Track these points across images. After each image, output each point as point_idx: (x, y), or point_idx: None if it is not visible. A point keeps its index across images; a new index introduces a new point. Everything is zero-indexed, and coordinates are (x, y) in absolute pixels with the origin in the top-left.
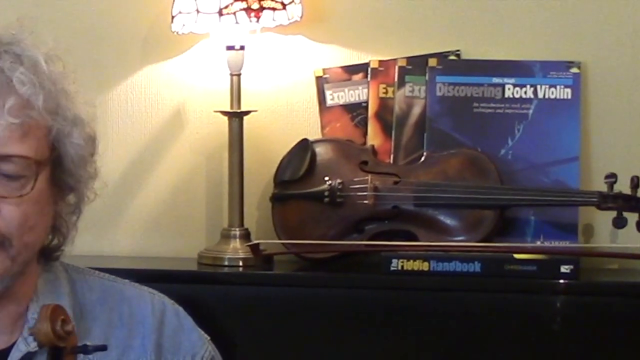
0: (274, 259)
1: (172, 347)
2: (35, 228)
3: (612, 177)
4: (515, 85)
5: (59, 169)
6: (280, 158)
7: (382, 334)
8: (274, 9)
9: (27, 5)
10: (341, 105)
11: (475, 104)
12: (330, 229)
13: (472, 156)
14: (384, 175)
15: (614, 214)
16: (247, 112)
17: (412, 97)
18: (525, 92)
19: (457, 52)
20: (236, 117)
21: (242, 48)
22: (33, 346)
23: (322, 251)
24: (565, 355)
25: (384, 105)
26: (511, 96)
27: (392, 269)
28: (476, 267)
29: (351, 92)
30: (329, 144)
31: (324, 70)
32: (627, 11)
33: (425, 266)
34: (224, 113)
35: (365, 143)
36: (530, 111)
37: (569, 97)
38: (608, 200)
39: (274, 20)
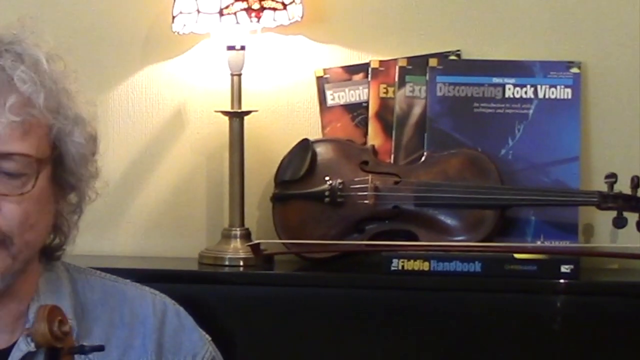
0: (274, 258)
1: (173, 347)
2: (36, 226)
3: (612, 177)
4: (515, 85)
5: (60, 167)
6: (281, 158)
7: (383, 334)
8: (274, 9)
9: (28, 5)
10: (342, 105)
11: (476, 104)
12: (330, 228)
13: (472, 156)
14: (385, 175)
15: (614, 214)
16: (247, 112)
17: (413, 97)
18: (526, 92)
19: (458, 52)
20: (237, 117)
21: (242, 48)
22: (33, 346)
23: (322, 251)
24: (565, 355)
25: (385, 105)
26: (511, 96)
27: (392, 268)
28: (476, 267)
29: (352, 92)
30: (330, 144)
31: (324, 70)
32: (627, 11)
33: (425, 266)
34: (225, 113)
35: (365, 143)
36: (531, 111)
37: (569, 97)
38: (608, 200)
39: (274, 20)
